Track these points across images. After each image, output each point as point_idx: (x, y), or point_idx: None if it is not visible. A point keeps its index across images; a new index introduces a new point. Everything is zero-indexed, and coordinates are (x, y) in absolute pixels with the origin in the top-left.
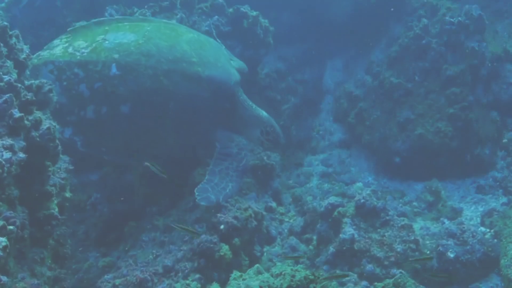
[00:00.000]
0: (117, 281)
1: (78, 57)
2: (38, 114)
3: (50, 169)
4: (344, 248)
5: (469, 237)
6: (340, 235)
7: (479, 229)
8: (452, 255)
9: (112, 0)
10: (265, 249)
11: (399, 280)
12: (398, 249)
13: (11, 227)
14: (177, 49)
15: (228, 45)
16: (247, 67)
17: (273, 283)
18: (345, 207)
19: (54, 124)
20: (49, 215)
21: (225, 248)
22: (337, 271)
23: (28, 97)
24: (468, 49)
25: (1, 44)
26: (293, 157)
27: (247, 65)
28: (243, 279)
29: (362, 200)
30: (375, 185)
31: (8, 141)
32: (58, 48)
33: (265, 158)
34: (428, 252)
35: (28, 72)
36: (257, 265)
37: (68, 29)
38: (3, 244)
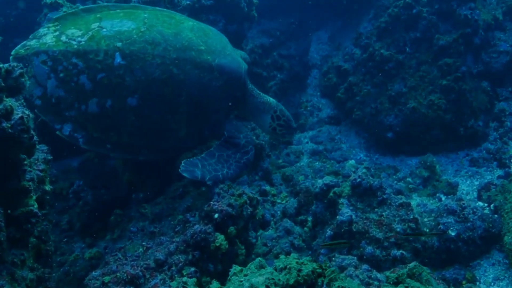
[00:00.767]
0: (106, 278)
1: (76, 46)
2: (8, 102)
3: (26, 162)
4: (342, 230)
5: (469, 214)
6: (337, 216)
7: (477, 204)
8: (453, 233)
9: None
10: (258, 233)
11: (414, 270)
12: (398, 229)
13: None
14: (182, 36)
15: (210, 20)
16: (249, 57)
17: (279, 279)
18: (340, 187)
19: (27, 112)
20: (27, 212)
21: (220, 238)
22: (336, 254)
23: None
24: (461, 17)
25: None
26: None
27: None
28: (245, 275)
29: (358, 180)
30: (368, 162)
31: None
32: (49, 37)
33: (254, 138)
34: (427, 230)
35: None
36: (259, 258)
37: (54, 17)
38: None
